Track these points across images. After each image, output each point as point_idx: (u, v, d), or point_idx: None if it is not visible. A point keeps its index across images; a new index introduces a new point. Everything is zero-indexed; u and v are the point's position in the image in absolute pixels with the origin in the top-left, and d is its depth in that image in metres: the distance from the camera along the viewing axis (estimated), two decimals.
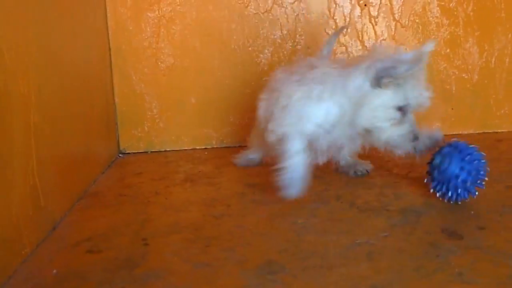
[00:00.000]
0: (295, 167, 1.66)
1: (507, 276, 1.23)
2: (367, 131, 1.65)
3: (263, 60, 2.43)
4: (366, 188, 1.84)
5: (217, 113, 2.47)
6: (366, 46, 2.41)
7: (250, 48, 2.41)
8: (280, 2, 2.38)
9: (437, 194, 1.65)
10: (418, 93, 1.61)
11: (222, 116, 2.47)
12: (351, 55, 2.41)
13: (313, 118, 1.66)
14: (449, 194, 1.61)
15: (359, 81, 1.61)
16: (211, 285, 1.25)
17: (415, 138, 1.65)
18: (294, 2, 2.38)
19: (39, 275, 1.32)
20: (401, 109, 1.61)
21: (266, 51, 2.42)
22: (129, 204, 1.80)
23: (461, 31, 2.45)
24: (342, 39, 2.40)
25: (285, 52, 2.41)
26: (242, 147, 2.43)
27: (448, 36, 2.45)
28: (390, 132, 1.63)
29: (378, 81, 1.58)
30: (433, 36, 2.43)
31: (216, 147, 2.48)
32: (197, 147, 2.48)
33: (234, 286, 1.24)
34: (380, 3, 2.40)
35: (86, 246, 1.47)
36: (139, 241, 1.50)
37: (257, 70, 2.43)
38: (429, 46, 1.55)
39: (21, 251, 1.37)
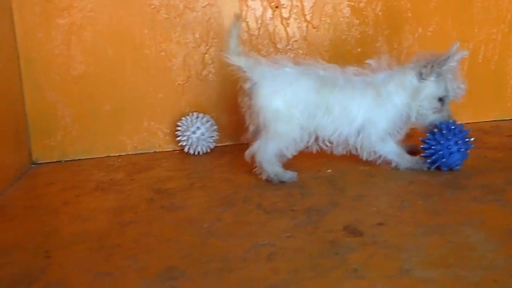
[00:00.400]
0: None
1: (398, 269, 1.27)
2: (416, 118, 1.97)
3: (176, 65, 2.42)
4: (274, 189, 1.86)
5: (131, 119, 2.44)
6: (278, 48, 2.43)
7: (162, 53, 2.40)
8: (191, 6, 2.38)
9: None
10: (456, 85, 1.93)
11: (136, 122, 2.45)
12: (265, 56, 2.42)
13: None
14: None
15: (410, 77, 1.94)
16: None
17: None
18: (205, 6, 2.38)
19: None
20: (441, 99, 1.92)
21: (179, 55, 2.41)
22: (36, 216, 1.77)
23: (371, 30, 2.50)
24: (254, 41, 2.42)
25: (198, 56, 2.41)
26: (157, 152, 2.43)
27: (359, 36, 2.50)
28: (432, 118, 1.94)
29: (421, 74, 1.91)
30: (344, 36, 2.47)
31: (131, 154, 2.45)
32: (112, 155, 2.45)
33: None
34: (292, 4, 2.42)
35: None
36: (41, 254, 1.47)
37: (170, 75, 2.42)
38: (456, 46, 1.90)
39: None
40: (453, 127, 1.89)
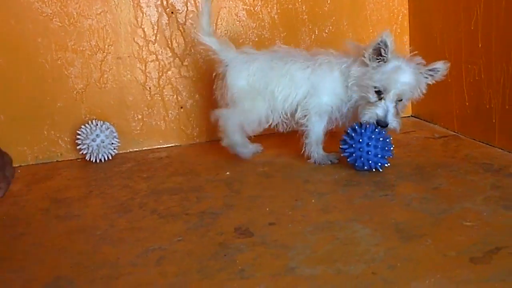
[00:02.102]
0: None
1: (283, 267, 1.31)
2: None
3: (73, 73, 2.39)
4: (171, 194, 1.87)
5: (29, 129, 2.39)
6: (176, 54, 2.44)
7: (59, 62, 2.36)
8: (86, 13, 2.35)
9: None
10: (394, 79, 1.89)
11: (36, 132, 2.40)
12: (161, 63, 2.44)
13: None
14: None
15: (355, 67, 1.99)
16: None
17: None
18: (100, 13, 2.36)
19: None
20: (378, 91, 1.91)
21: (76, 63, 2.38)
22: None
23: (268, 33, 2.54)
24: (152, 47, 2.42)
25: (95, 63, 2.39)
26: (59, 162, 2.40)
27: (256, 39, 2.54)
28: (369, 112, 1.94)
29: (363, 60, 1.94)
30: (241, 40, 2.50)
31: (32, 164, 2.40)
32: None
33: None
34: (187, 10, 2.44)
35: None
36: None
37: (67, 83, 2.39)
38: (386, 32, 1.93)
39: None
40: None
